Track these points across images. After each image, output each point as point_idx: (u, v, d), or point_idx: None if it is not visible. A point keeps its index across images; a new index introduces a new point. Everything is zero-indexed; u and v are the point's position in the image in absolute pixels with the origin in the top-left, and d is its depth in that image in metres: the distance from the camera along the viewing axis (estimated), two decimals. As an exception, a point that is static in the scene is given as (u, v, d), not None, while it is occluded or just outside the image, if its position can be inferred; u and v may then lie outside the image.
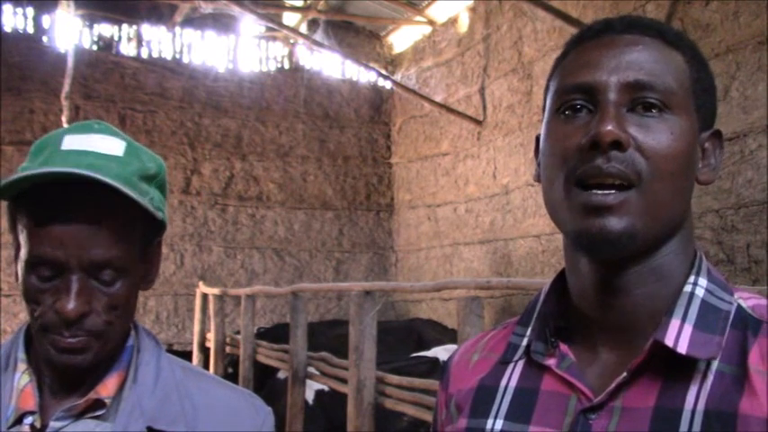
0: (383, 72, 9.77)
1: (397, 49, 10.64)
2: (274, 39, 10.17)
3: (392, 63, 10.58)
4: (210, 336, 8.16)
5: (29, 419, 0.98)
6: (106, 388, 1.00)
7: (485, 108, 8.43)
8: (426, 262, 9.66)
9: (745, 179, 5.13)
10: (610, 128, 0.77)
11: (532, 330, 0.89)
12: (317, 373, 5.85)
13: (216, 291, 8.15)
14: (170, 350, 1.11)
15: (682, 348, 0.77)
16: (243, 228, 9.95)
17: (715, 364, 0.77)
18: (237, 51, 10.02)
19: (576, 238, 0.81)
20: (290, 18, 10.07)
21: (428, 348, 6.58)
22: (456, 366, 0.98)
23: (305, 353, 5.86)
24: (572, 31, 6.23)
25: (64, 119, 8.09)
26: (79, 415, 0.98)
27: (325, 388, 5.90)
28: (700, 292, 0.81)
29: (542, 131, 0.87)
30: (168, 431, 1.00)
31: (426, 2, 9.54)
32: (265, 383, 6.84)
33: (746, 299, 0.82)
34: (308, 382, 5.90)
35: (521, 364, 0.89)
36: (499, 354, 0.92)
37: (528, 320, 0.91)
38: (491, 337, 0.98)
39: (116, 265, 0.97)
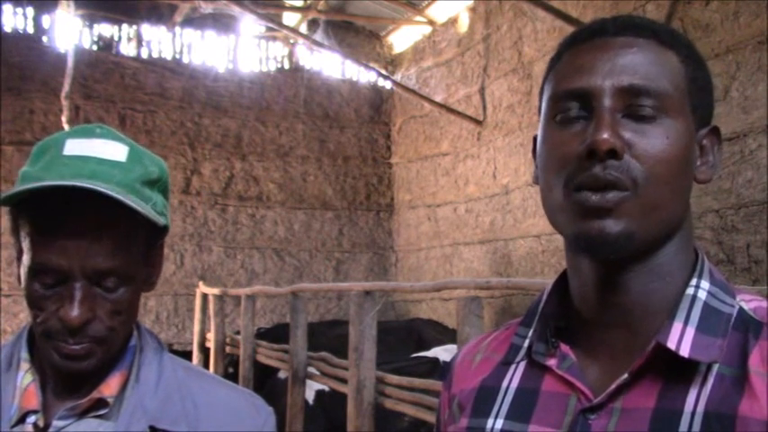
0: (383, 72, 9.77)
1: (397, 49, 10.64)
2: (274, 39, 10.17)
3: (392, 63, 10.58)
4: (210, 336, 8.16)
5: (32, 418, 0.98)
6: (109, 387, 1.01)
7: (485, 108, 8.43)
8: (426, 262, 9.66)
9: (745, 179, 5.13)
10: (605, 136, 0.77)
11: (534, 331, 0.90)
12: (317, 373, 5.85)
13: (216, 291, 8.15)
14: (170, 350, 1.11)
15: (684, 351, 0.77)
16: (243, 228, 9.95)
17: (716, 367, 0.77)
18: (237, 51, 10.02)
19: (575, 241, 0.81)
20: (290, 18, 10.07)
21: (428, 348, 6.58)
22: (459, 366, 0.98)
23: (305, 353, 5.86)
24: (572, 31, 6.23)
25: (64, 119, 8.09)
26: (82, 414, 0.99)
27: (326, 388, 5.90)
28: (702, 294, 0.81)
29: (539, 136, 0.87)
30: (170, 431, 1.00)
31: (426, 2, 9.54)
32: (265, 383, 6.84)
33: (748, 301, 0.82)
34: (308, 382, 5.90)
35: (522, 365, 0.90)
36: (501, 354, 0.93)
37: (530, 321, 0.92)
38: (494, 337, 0.98)
39: (119, 272, 0.97)
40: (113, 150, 0.99)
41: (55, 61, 8.76)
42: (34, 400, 0.99)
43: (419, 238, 9.84)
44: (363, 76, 10.40)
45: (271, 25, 8.72)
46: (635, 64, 0.80)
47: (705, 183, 0.85)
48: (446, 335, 7.59)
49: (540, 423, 0.83)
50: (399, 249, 10.42)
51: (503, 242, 8.04)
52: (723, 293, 0.82)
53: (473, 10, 8.82)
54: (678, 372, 0.78)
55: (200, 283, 8.75)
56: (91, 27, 9.34)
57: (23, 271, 0.97)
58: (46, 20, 9.11)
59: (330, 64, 10.38)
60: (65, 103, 8.11)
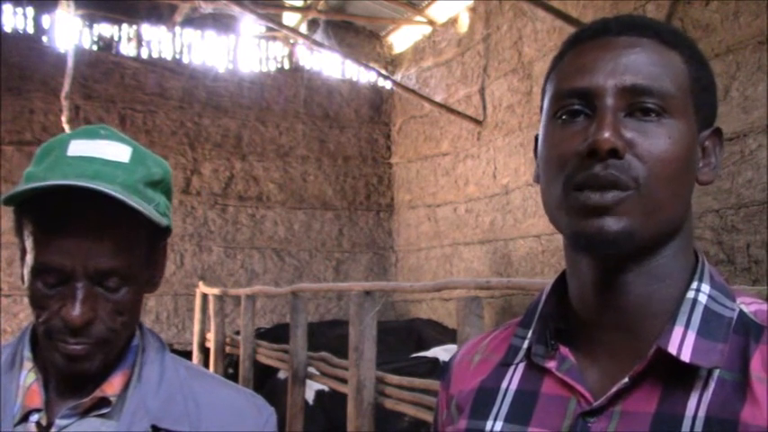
0: (383, 72, 9.77)
1: (397, 49, 10.64)
2: (274, 39, 10.17)
3: (392, 63, 10.58)
4: (210, 336, 8.15)
5: (35, 417, 0.98)
6: (111, 386, 1.01)
7: (485, 108, 8.43)
8: (426, 262, 9.66)
9: (745, 179, 5.13)
10: (607, 136, 0.77)
11: (533, 333, 0.89)
12: (317, 373, 5.85)
13: (216, 291, 8.15)
14: (170, 350, 1.11)
15: (685, 356, 0.77)
16: (243, 228, 9.95)
17: (717, 371, 0.77)
18: (237, 51, 10.02)
19: (575, 239, 0.81)
20: (290, 18, 10.07)
21: (428, 348, 6.57)
22: (458, 367, 0.98)
23: (305, 353, 5.86)
24: (572, 31, 6.23)
25: (64, 119, 8.09)
26: (84, 413, 0.99)
27: (326, 388, 5.90)
28: (702, 298, 0.81)
29: (540, 135, 0.87)
30: (172, 430, 1.00)
31: (426, 2, 9.54)
32: (265, 383, 6.84)
33: (748, 304, 0.82)
34: (308, 382, 5.90)
35: (522, 366, 0.89)
36: (500, 355, 0.92)
37: (529, 322, 0.91)
38: (493, 338, 0.98)
39: (121, 272, 0.97)
40: (117, 151, 0.99)
41: (55, 61, 8.77)
42: (37, 399, 0.99)
43: (419, 238, 9.84)
44: (363, 76, 10.40)
45: (271, 25, 8.72)
46: (638, 64, 0.80)
47: (707, 184, 0.85)
48: (446, 335, 7.58)
49: (539, 425, 0.83)
50: (399, 249, 10.42)
51: (503, 242, 8.04)
52: (723, 297, 0.82)
53: (473, 10, 8.82)
54: (679, 376, 0.78)
55: (200, 283, 8.75)
56: (91, 27, 9.34)
57: (26, 271, 0.98)
58: (46, 20, 9.11)
59: (330, 64, 10.38)
60: (65, 103, 8.11)
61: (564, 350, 0.86)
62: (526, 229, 7.59)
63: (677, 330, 0.78)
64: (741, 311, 0.81)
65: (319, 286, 8.56)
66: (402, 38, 10.46)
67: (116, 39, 9.51)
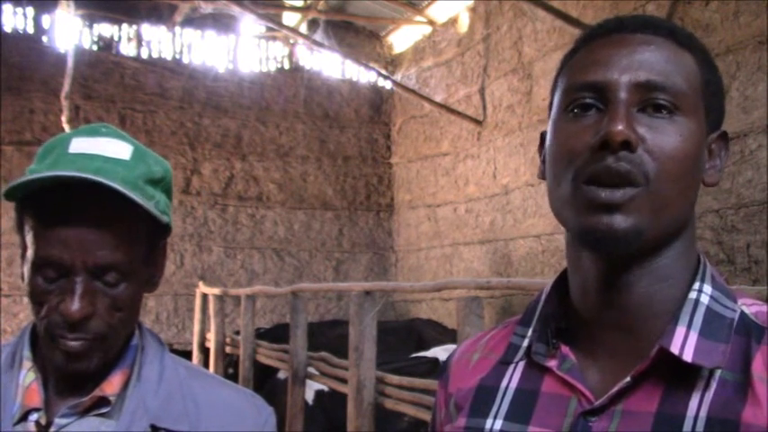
0: (383, 72, 9.77)
1: (397, 49, 10.64)
2: (274, 39, 10.17)
3: (392, 63, 10.58)
4: (210, 336, 8.16)
5: (34, 416, 0.99)
6: (111, 386, 1.01)
7: (485, 108, 8.43)
8: (426, 262, 9.67)
9: (745, 179, 5.13)
10: (620, 128, 0.77)
11: (533, 331, 0.89)
12: (317, 373, 5.85)
13: (216, 291, 8.15)
14: (170, 350, 1.12)
15: (687, 356, 0.77)
16: (243, 228, 9.95)
17: (718, 372, 0.77)
18: (237, 51, 10.02)
19: (582, 235, 0.80)
20: (290, 18, 10.07)
21: (428, 348, 6.57)
22: (456, 365, 0.98)
23: (305, 353, 5.86)
24: (572, 31, 6.24)
25: (64, 119, 8.09)
26: (84, 412, 0.99)
27: (325, 388, 5.90)
28: (705, 299, 0.81)
29: (549, 129, 0.86)
30: (172, 430, 1.01)
31: (426, 2, 9.54)
32: (265, 383, 6.83)
33: (749, 305, 0.82)
34: (308, 382, 5.90)
35: (521, 365, 0.89)
36: (500, 354, 0.92)
37: (529, 321, 0.91)
38: (492, 336, 0.97)
39: (121, 267, 0.98)
40: (118, 149, 1.00)
41: (55, 61, 8.77)
42: (36, 398, 0.99)
43: (419, 238, 9.84)
44: (363, 76, 10.40)
45: (271, 25, 8.72)
46: (652, 60, 0.80)
47: (712, 186, 0.85)
48: (446, 335, 7.59)
49: (539, 424, 0.83)
50: (399, 249, 10.42)
51: (503, 242, 8.04)
52: (725, 298, 0.82)
53: (473, 10, 8.82)
54: (680, 376, 0.78)
55: (200, 283, 8.75)
56: (91, 27, 9.34)
57: (26, 266, 0.98)
58: (46, 20, 9.11)
59: (330, 64, 10.38)
60: (65, 103, 8.11)
61: (565, 349, 0.86)
62: (526, 229, 7.59)
63: (679, 330, 0.79)
64: (742, 312, 0.81)
65: (319, 286, 8.56)
66: (402, 38, 10.46)
67: (116, 39, 9.51)
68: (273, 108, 10.18)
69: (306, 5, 9.86)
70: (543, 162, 0.88)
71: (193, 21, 9.49)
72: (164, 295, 9.45)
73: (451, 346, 6.05)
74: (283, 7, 9.92)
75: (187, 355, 8.19)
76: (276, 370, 6.74)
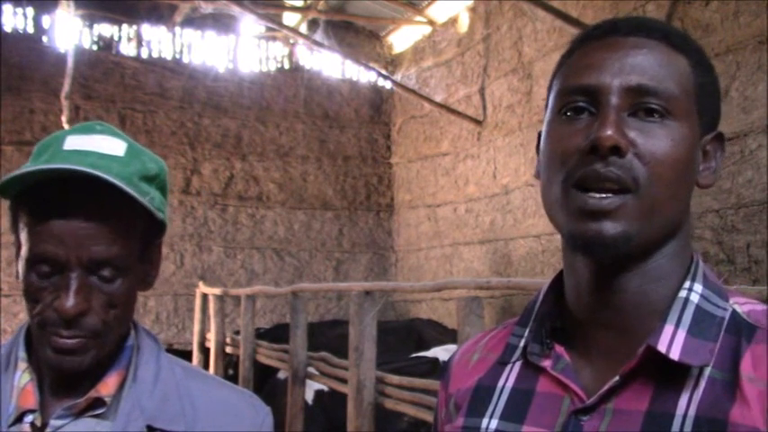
0: (383, 72, 9.77)
1: (397, 49, 10.64)
2: (274, 39, 10.17)
3: (392, 63, 10.58)
4: (210, 336, 8.16)
5: (29, 418, 0.98)
6: (106, 387, 1.01)
7: (485, 108, 8.43)
8: (426, 262, 9.66)
9: (745, 179, 5.13)
10: (609, 133, 0.77)
11: (530, 331, 0.90)
12: (317, 373, 5.85)
13: (216, 291, 8.15)
14: (170, 350, 1.11)
15: (674, 354, 0.77)
16: (243, 228, 9.95)
17: (707, 370, 0.77)
18: (237, 51, 10.02)
19: (572, 240, 0.81)
20: (290, 18, 10.07)
21: (428, 348, 6.57)
22: (456, 366, 0.98)
23: (305, 353, 5.86)
24: (572, 31, 6.24)
25: (64, 119, 8.09)
26: (79, 413, 0.99)
27: (325, 388, 5.90)
28: (695, 297, 0.81)
29: (543, 130, 0.87)
30: (168, 430, 1.00)
31: (426, 2, 9.54)
32: (265, 384, 6.83)
33: (742, 304, 0.82)
34: (308, 382, 5.89)
35: (518, 365, 0.90)
36: (498, 354, 0.93)
37: (526, 321, 0.92)
38: (491, 337, 0.98)
39: (116, 263, 0.97)
40: (112, 146, 1.00)
41: (55, 61, 8.77)
42: (32, 400, 0.98)
43: (419, 238, 9.84)
44: (363, 76, 10.40)
45: (271, 25, 8.72)
46: (644, 64, 0.81)
47: (706, 188, 0.85)
48: (446, 335, 7.59)
49: (533, 424, 0.84)
50: (399, 249, 10.42)
51: (503, 242, 8.04)
52: (716, 297, 0.82)
53: (473, 10, 8.81)
54: (670, 374, 0.78)
55: (201, 283, 8.75)
56: (91, 27, 9.35)
57: (21, 264, 0.98)
58: (46, 20, 9.11)
59: (330, 64, 10.38)
60: (65, 103, 8.11)
61: (559, 349, 0.86)
62: (526, 229, 7.59)
63: (667, 329, 0.79)
64: (734, 311, 0.81)
65: (319, 286, 8.57)
66: (402, 38, 10.46)
67: (116, 39, 9.51)
68: (273, 108, 10.18)
69: (306, 5, 9.86)
70: (540, 161, 0.89)
71: (193, 21, 9.49)
72: (164, 295, 9.45)
73: (451, 346, 6.06)
74: (283, 7, 9.91)
75: (187, 355, 8.19)
76: (276, 370, 6.74)
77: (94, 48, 9.39)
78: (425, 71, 9.72)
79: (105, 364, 1.02)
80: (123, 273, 0.98)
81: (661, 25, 0.86)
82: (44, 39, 9.10)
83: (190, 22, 9.49)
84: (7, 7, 8.96)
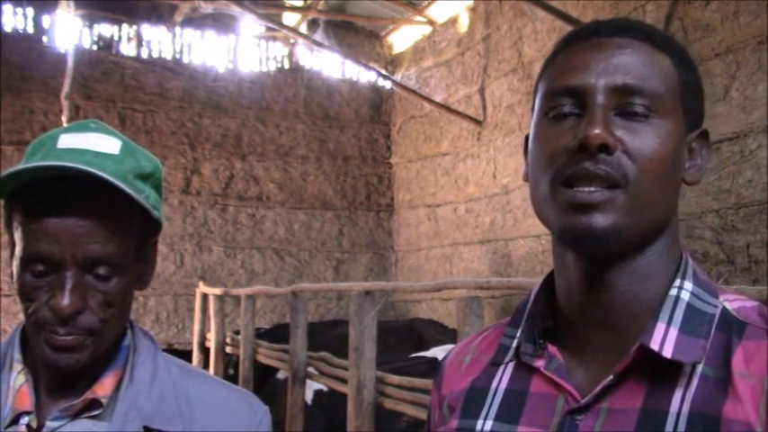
0: (383, 72, 9.77)
1: (397, 49, 10.64)
2: (274, 39, 10.17)
3: (392, 63, 10.58)
4: (210, 336, 8.16)
5: (25, 419, 0.97)
6: (103, 387, 1.00)
7: (485, 108, 8.43)
8: (426, 262, 9.66)
9: (745, 179, 5.12)
10: (597, 131, 0.78)
11: (522, 332, 0.90)
12: (317, 373, 5.84)
13: (216, 291, 8.15)
14: (170, 350, 1.11)
15: (667, 352, 0.78)
16: (243, 228, 9.95)
17: (700, 367, 0.78)
18: (237, 51, 10.02)
19: (562, 235, 0.82)
20: (290, 18, 10.07)
21: (428, 348, 6.57)
22: (449, 368, 0.99)
23: (305, 353, 5.86)
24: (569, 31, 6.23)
25: (64, 119, 8.09)
26: (76, 415, 0.98)
27: (324, 388, 5.90)
28: (685, 295, 0.82)
29: (531, 133, 0.88)
30: (165, 431, 0.99)
31: (426, 2, 9.54)
32: (265, 384, 6.83)
33: (732, 301, 0.83)
34: (307, 381, 5.89)
35: (511, 365, 0.90)
36: (490, 355, 0.93)
37: (518, 321, 0.92)
38: (483, 338, 0.99)
39: (111, 261, 0.96)
40: (107, 144, 0.99)
41: (55, 61, 8.77)
42: (27, 401, 0.98)
43: (419, 238, 9.84)
44: (363, 76, 10.40)
45: (271, 25, 8.72)
46: (629, 64, 0.82)
47: (693, 184, 0.86)
48: (446, 335, 7.58)
49: (528, 424, 0.84)
50: (399, 249, 10.41)
51: (503, 242, 8.03)
52: (706, 294, 0.83)
53: (473, 10, 8.81)
54: (663, 372, 0.78)
55: (201, 283, 8.75)
56: (91, 27, 9.34)
57: (15, 263, 0.97)
58: (46, 20, 9.11)
59: (330, 64, 10.38)
60: (65, 103, 8.11)
61: (552, 349, 0.86)
62: (526, 229, 7.58)
63: (659, 327, 0.80)
64: (724, 308, 0.82)
65: (319, 286, 8.56)
66: (402, 38, 10.46)
67: (116, 39, 9.51)
68: (273, 108, 10.18)
69: (306, 5, 9.86)
70: (528, 164, 0.89)
71: (193, 21, 9.49)
72: (164, 295, 9.45)
73: (451, 347, 6.05)
74: (283, 7, 9.91)
75: (187, 355, 8.19)
76: (276, 370, 6.74)
77: (94, 48, 9.38)
78: (425, 71, 9.72)
79: (102, 365, 1.01)
80: (119, 271, 0.98)
81: (644, 26, 0.87)
82: (44, 39, 9.10)
83: (190, 22, 9.49)
84: (7, 7, 8.96)
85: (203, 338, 8.50)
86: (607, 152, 0.78)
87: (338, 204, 10.40)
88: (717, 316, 0.81)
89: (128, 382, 1.01)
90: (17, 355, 1.02)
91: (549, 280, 0.91)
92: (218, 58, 9.90)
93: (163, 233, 1.08)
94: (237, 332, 7.86)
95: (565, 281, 0.86)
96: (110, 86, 9.40)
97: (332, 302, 10.16)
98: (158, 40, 9.64)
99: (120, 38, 9.52)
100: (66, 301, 0.93)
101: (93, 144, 0.98)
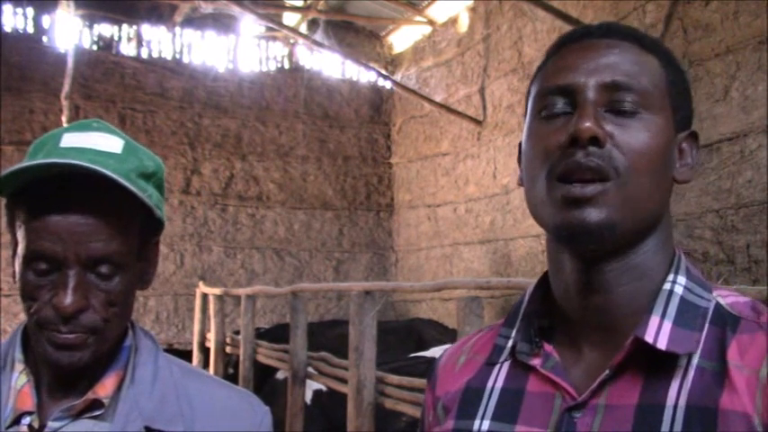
0: (383, 72, 9.77)
1: (397, 49, 10.64)
2: (274, 39, 10.17)
3: (392, 63, 10.58)
4: (210, 336, 8.16)
5: (26, 420, 0.97)
6: (104, 388, 1.00)
7: (485, 108, 8.43)
8: (426, 262, 9.66)
9: (745, 179, 5.12)
10: (588, 124, 0.80)
11: (518, 331, 0.91)
12: (317, 373, 5.84)
13: (216, 291, 8.15)
14: (170, 350, 1.11)
15: (661, 344, 0.79)
16: (243, 228, 9.95)
17: (695, 360, 0.79)
18: (237, 51, 10.02)
19: (557, 231, 0.83)
20: (290, 18, 10.07)
21: (428, 348, 6.57)
22: (443, 368, 0.99)
23: (305, 353, 5.86)
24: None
25: (64, 119, 8.09)
26: (77, 415, 0.98)
27: (323, 388, 5.90)
28: (678, 289, 0.83)
29: (524, 134, 0.89)
30: (166, 431, 0.99)
31: (426, 2, 9.54)
32: (265, 384, 6.83)
33: (725, 296, 0.84)
34: (306, 381, 5.89)
35: (507, 365, 0.91)
36: (485, 355, 0.94)
37: (513, 321, 0.93)
38: (477, 339, 0.99)
39: (114, 259, 0.96)
40: (109, 143, 1.00)
41: (55, 61, 8.76)
42: (29, 402, 0.98)
43: (419, 238, 9.84)
44: (363, 76, 10.40)
45: (271, 25, 8.72)
46: (618, 63, 0.84)
47: (684, 183, 0.88)
48: (446, 335, 7.58)
49: (526, 423, 0.84)
50: (399, 249, 10.42)
51: (503, 242, 8.03)
52: (699, 288, 0.84)
53: (473, 10, 8.81)
54: (658, 366, 0.79)
55: (201, 283, 8.75)
56: (91, 27, 9.34)
57: (18, 262, 0.97)
58: (46, 20, 9.11)
59: (330, 64, 10.38)
60: (65, 103, 8.11)
61: (548, 347, 0.87)
62: (526, 229, 7.58)
63: (653, 320, 0.81)
64: (718, 303, 0.83)
65: (319, 286, 8.56)
66: (402, 38, 10.46)
67: (116, 39, 9.51)
68: (273, 108, 10.18)
69: (306, 5, 9.86)
70: (522, 170, 0.91)
71: (193, 21, 9.49)
72: (164, 295, 9.45)
73: (448, 347, 6.05)
74: (283, 7, 9.91)
75: (187, 355, 8.19)
76: (276, 370, 6.74)
77: (94, 48, 9.38)
78: (425, 71, 9.72)
79: (103, 365, 1.01)
80: (121, 270, 0.98)
81: (632, 29, 0.90)
82: (44, 39, 9.10)
83: (190, 22, 9.49)
84: (7, 7, 8.95)
85: (203, 338, 8.50)
86: (598, 145, 0.80)
87: (338, 204, 10.40)
88: (710, 310, 0.82)
89: (129, 382, 1.01)
90: (18, 356, 1.01)
91: (544, 279, 0.92)
92: (218, 58, 9.91)
93: (163, 233, 1.09)
94: (237, 332, 7.86)
95: (560, 280, 0.87)
96: (110, 86, 9.40)
97: (332, 302, 10.16)
98: (158, 40, 9.64)
99: (120, 38, 9.52)
100: (68, 299, 0.93)
101: (95, 143, 0.98)
